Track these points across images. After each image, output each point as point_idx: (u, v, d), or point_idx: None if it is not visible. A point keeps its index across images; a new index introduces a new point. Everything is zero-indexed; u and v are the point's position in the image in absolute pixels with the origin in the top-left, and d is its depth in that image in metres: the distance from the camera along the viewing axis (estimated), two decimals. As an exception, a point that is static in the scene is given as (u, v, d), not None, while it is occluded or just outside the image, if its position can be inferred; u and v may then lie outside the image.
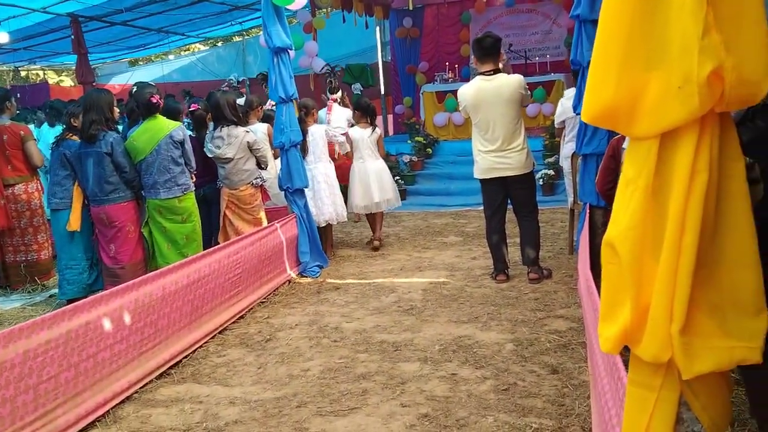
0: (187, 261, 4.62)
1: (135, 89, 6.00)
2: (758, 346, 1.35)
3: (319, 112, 8.85)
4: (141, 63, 17.80)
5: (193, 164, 5.52)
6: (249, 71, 15.66)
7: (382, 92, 14.19)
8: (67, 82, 19.73)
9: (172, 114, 5.81)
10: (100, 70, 16.48)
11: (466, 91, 5.39)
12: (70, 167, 5.41)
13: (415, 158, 10.62)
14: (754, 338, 1.35)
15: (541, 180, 9.01)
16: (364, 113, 7.03)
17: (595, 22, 5.25)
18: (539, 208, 5.74)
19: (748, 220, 1.36)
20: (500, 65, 5.53)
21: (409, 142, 11.10)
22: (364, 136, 6.99)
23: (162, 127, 5.36)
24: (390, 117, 14.35)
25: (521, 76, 5.42)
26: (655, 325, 1.34)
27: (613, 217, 1.43)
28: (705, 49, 1.22)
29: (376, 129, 7.08)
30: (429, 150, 10.86)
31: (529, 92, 5.43)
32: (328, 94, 8.97)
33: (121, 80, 16.53)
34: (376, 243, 7.14)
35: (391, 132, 14.11)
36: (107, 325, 3.76)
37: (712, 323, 1.34)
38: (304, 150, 6.53)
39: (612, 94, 1.36)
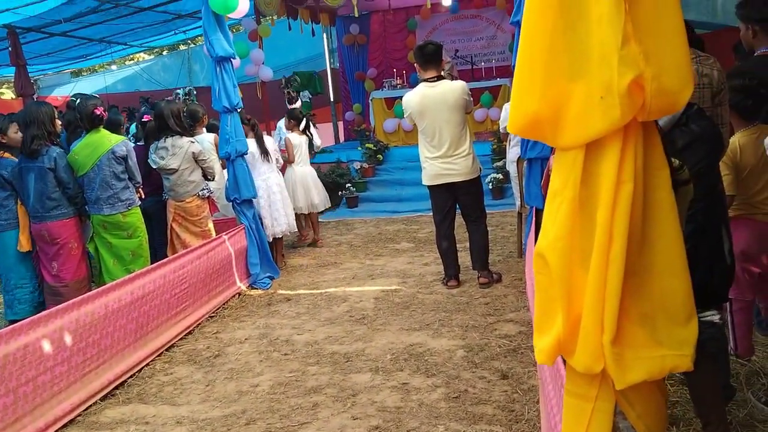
0: (131, 277, 4.51)
1: (77, 101, 5.86)
2: (689, 354, 1.37)
3: (279, 122, 8.83)
4: (84, 74, 17.38)
5: (138, 179, 5.39)
6: (195, 80, 15.46)
7: (332, 99, 14.15)
8: (8, 94, 19.14)
9: (113, 126, 5.69)
10: (41, 81, 16.04)
11: (411, 99, 5.39)
12: (10, 186, 5.20)
13: (366, 165, 10.61)
14: (685, 346, 1.36)
15: (490, 184, 9.09)
16: (297, 122, 7.51)
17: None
18: (489, 212, 5.78)
19: (675, 229, 1.38)
20: (443, 72, 5.56)
21: (359, 149, 11.09)
22: (302, 142, 7.41)
23: (104, 141, 5.22)
24: (340, 124, 14.31)
25: (464, 83, 5.46)
26: (587, 336, 1.34)
27: (542, 227, 1.43)
28: (624, 59, 1.23)
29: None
30: (380, 156, 10.86)
31: (471, 98, 5.47)
32: (287, 104, 8.95)
33: (64, 92, 16.10)
34: (320, 243, 7.70)
35: (341, 139, 14.09)
36: (47, 347, 3.64)
37: (643, 332, 1.35)
38: (265, 156, 6.55)
39: (536, 105, 1.36)
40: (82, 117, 5.29)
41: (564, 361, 1.52)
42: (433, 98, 5.26)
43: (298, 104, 8.99)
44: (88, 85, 16.21)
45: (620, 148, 1.31)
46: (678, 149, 2.31)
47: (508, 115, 1.45)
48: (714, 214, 2.47)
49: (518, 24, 5.34)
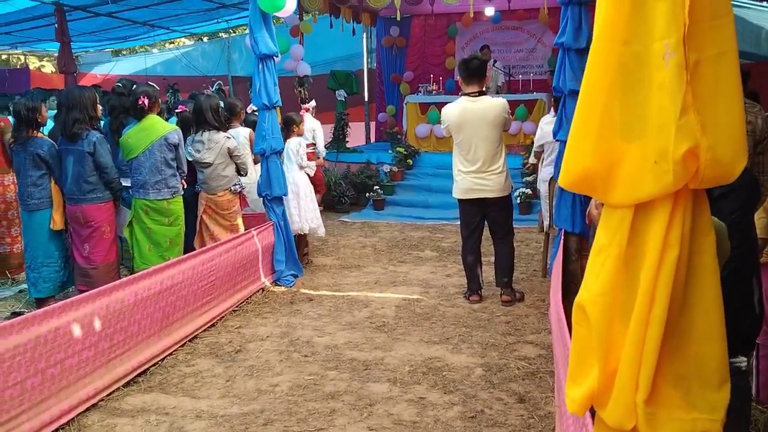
0: (161, 267, 4.59)
1: (122, 86, 5.99)
2: (720, 419, 1.39)
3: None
4: (124, 54, 17.63)
5: (185, 168, 5.48)
6: (233, 69, 15.59)
7: (366, 99, 14.21)
8: (48, 68, 19.46)
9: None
10: (82, 58, 16.28)
11: (451, 111, 5.41)
12: (45, 166, 5.31)
13: (395, 168, 10.64)
14: (716, 410, 1.38)
15: (518, 198, 9.08)
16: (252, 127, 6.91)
17: (578, 51, 5.33)
18: (515, 226, 5.79)
19: (716, 294, 1.40)
20: (485, 87, 5.58)
21: (390, 151, 11.13)
22: (299, 144, 6.98)
23: (158, 128, 5.32)
24: (372, 124, 14.37)
25: (505, 100, 5.48)
26: (621, 393, 1.37)
27: (585, 280, 1.46)
28: (682, 128, 1.25)
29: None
30: (410, 161, 10.89)
31: (511, 116, 5.48)
32: (300, 103, 8.99)
33: (104, 70, 16.36)
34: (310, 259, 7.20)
35: (372, 139, 14.14)
36: (77, 331, 3.73)
37: (677, 394, 1.38)
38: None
39: (589, 161, 1.39)
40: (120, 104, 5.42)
41: (592, 413, 1.54)
42: (473, 113, 5.28)
43: (312, 104, 8.98)
44: (128, 65, 16.44)
45: (669, 212, 1.33)
46: (714, 198, 2.33)
47: (562, 168, 1.47)
48: (746, 263, 2.47)
49: (562, 45, 5.35)
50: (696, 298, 1.38)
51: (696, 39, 1.24)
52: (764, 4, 10.71)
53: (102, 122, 6.07)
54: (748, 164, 2.69)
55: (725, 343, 1.41)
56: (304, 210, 6.80)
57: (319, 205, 8.70)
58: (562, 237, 5.20)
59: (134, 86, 5.74)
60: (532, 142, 7.27)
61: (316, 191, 8.71)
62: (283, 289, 6.09)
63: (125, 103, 5.88)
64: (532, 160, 6.45)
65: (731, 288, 2.39)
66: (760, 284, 2.54)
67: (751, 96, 5.80)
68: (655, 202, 1.34)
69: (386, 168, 10.66)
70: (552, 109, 6.59)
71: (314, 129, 8.51)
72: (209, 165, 5.74)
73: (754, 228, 2.64)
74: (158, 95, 5.45)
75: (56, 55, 13.19)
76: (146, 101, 5.25)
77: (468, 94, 5.37)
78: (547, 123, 6.18)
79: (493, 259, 5.73)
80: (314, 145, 8.58)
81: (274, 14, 6.10)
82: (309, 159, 7.23)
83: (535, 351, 4.44)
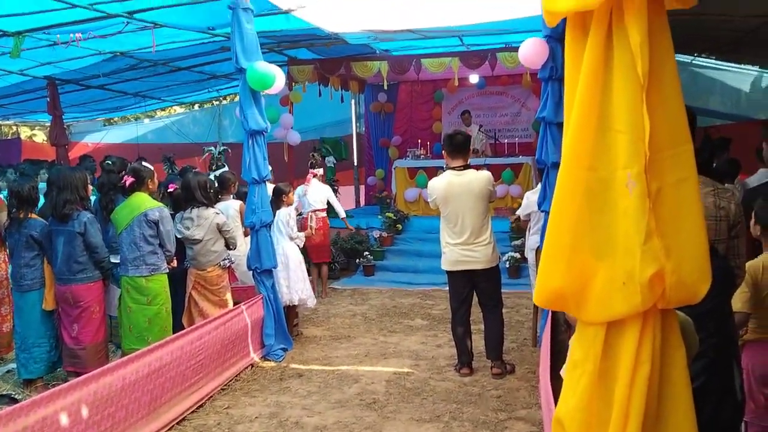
0: (149, 349, 4.57)
1: (111, 163, 6.07)
2: None
3: (298, 187, 8.98)
4: (116, 122, 17.84)
5: (169, 247, 5.48)
6: (224, 135, 15.77)
7: (355, 163, 14.40)
8: (40, 137, 19.65)
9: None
10: (74, 127, 16.46)
11: (437, 185, 5.50)
12: (38, 247, 5.35)
13: (385, 234, 10.70)
14: None
15: (507, 263, 9.13)
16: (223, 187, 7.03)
17: (559, 125, 5.48)
18: (504, 291, 5.81)
19: (688, 404, 1.43)
20: (469, 161, 5.69)
21: (379, 216, 11.21)
22: (288, 213, 6.96)
23: (140, 204, 5.37)
24: (362, 188, 14.51)
25: (489, 174, 5.58)
26: None
27: (562, 394, 1.49)
28: (647, 253, 1.30)
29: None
30: (399, 226, 10.96)
31: (496, 189, 5.59)
32: (309, 168, 9.09)
33: (95, 139, 16.53)
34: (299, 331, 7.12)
35: (362, 203, 14.25)
36: (64, 419, 3.69)
37: None
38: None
39: (561, 280, 1.43)
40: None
41: None
42: (459, 186, 5.37)
43: (320, 171, 9.13)
44: (120, 134, 16.62)
45: (640, 329, 1.37)
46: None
47: (536, 286, 1.52)
48: (725, 350, 2.50)
49: (543, 120, 5.51)
50: (669, 411, 1.42)
51: (657, 167, 1.31)
52: (743, 66, 11.03)
53: (92, 198, 6.14)
54: (723, 248, 2.76)
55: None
56: (293, 281, 6.81)
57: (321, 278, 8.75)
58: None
59: (128, 164, 5.82)
60: (521, 205, 7.36)
61: (323, 258, 8.76)
62: (272, 364, 6.04)
63: (114, 180, 5.96)
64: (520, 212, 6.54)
65: (709, 377, 2.43)
66: (740, 371, 2.56)
67: (732, 165, 5.94)
68: (626, 320, 1.38)
69: (376, 233, 10.72)
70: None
71: (327, 196, 8.67)
72: (199, 241, 5.78)
73: (731, 317, 2.68)
74: (149, 175, 5.50)
75: (47, 124, 13.37)
76: (129, 181, 5.34)
77: (453, 168, 5.47)
78: (533, 193, 6.28)
79: (482, 327, 5.73)
80: (323, 210, 8.68)
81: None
82: (304, 228, 7.30)
83: (526, 428, 4.40)
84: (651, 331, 1.38)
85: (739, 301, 3.03)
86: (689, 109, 2.77)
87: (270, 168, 6.43)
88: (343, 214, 9.14)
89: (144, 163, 5.75)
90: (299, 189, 8.79)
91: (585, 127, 1.36)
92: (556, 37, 5.26)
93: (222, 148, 11.90)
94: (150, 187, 5.53)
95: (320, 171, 9.14)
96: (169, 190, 6.28)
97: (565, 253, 1.44)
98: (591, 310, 1.41)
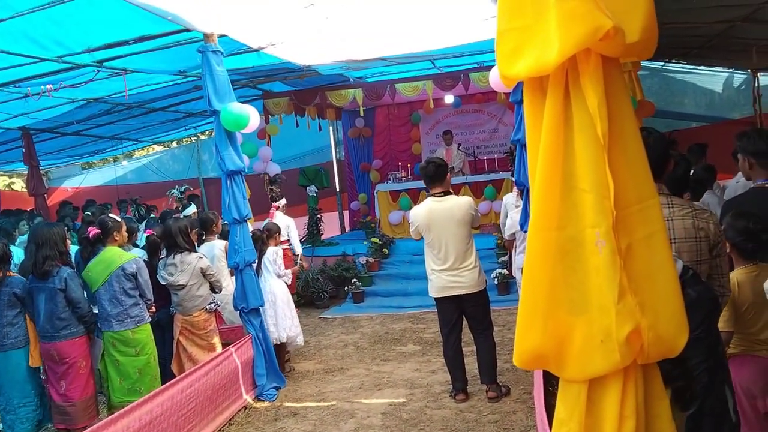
0: (139, 403, 4.50)
1: (87, 216, 6.02)
2: None
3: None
4: (95, 164, 17.75)
5: (149, 296, 5.46)
6: (204, 170, 15.75)
7: (338, 189, 14.41)
8: (18, 184, 19.50)
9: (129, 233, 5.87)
10: (52, 173, 16.38)
11: (419, 212, 5.51)
12: (21, 304, 5.29)
13: (371, 259, 10.69)
14: None
15: (495, 279, 9.14)
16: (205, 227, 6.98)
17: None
18: (494, 308, 5.82)
19: (677, 456, 1.43)
20: (449, 183, 5.69)
21: (365, 242, 11.21)
22: (276, 252, 7.00)
23: (115, 259, 5.34)
24: (346, 213, 14.52)
25: (471, 198, 5.61)
26: None
27: (550, 455, 1.48)
28: (621, 311, 1.31)
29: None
30: (385, 250, 10.96)
31: (479, 214, 5.59)
32: (270, 201, 9.08)
33: (74, 183, 16.42)
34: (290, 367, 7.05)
35: (347, 228, 14.25)
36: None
37: None
38: (257, 269, 6.54)
39: (539, 339, 1.43)
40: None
41: None
42: (440, 212, 5.38)
43: (282, 202, 9.09)
44: (99, 177, 16.53)
45: (622, 384, 1.37)
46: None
47: (515, 347, 1.51)
48: (717, 374, 2.51)
49: (518, 142, 5.54)
50: (659, 464, 1.41)
51: (625, 224, 1.31)
52: (714, 69, 11.20)
53: (72, 251, 6.08)
54: (706, 269, 2.77)
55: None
56: (281, 318, 6.77)
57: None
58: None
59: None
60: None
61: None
62: (266, 404, 5.99)
63: (94, 231, 5.91)
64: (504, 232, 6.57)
65: (704, 401, 2.43)
66: (733, 394, 2.57)
67: (709, 171, 5.99)
68: (607, 377, 1.38)
69: (363, 259, 10.71)
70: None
71: (288, 226, 8.64)
72: (183, 287, 5.74)
73: (721, 342, 2.69)
74: (117, 227, 5.47)
75: (25, 172, 13.28)
76: (94, 232, 5.31)
77: (434, 195, 5.48)
78: (516, 212, 6.29)
79: (474, 349, 5.71)
80: (288, 241, 8.65)
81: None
82: (286, 265, 7.25)
83: (525, 454, 4.38)
84: (633, 385, 1.38)
85: (721, 320, 3.04)
86: (661, 136, 2.81)
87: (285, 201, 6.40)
88: (299, 250, 8.98)
89: (111, 215, 5.72)
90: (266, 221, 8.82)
91: (550, 187, 1.37)
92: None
93: (184, 187, 11.87)
94: (117, 239, 5.49)
95: (282, 202, 9.10)
96: (145, 235, 6.26)
97: (541, 313, 1.43)
98: (571, 368, 1.41)
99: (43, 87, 7.20)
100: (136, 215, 10.17)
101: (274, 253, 6.82)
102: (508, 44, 1.39)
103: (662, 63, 10.98)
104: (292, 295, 8.49)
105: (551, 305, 1.42)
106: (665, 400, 1.42)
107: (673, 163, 2.86)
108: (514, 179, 5.93)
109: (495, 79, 5.57)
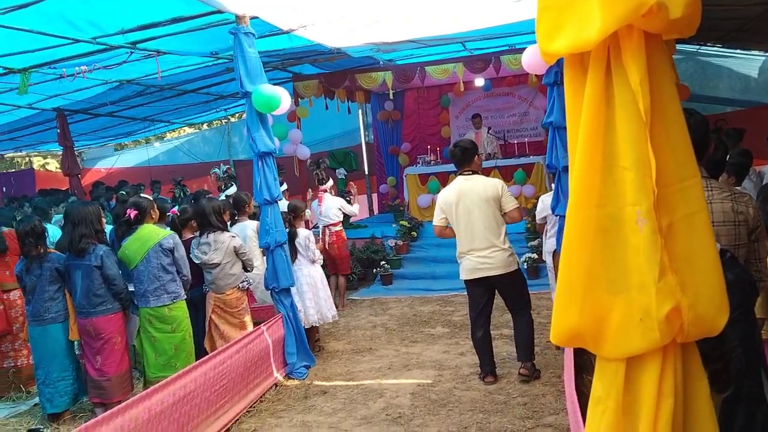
0: (173, 378, 4.60)
1: (125, 193, 6.12)
2: None
3: (313, 203, 9.04)
4: (127, 146, 17.99)
5: (185, 272, 5.55)
6: (234, 153, 15.88)
7: (366, 172, 14.44)
8: (53, 164, 19.86)
9: (161, 214, 5.94)
10: (85, 154, 16.63)
11: (447, 194, 5.48)
12: (61, 280, 5.43)
13: (400, 242, 10.71)
14: None
15: (525, 264, 9.10)
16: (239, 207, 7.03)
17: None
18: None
19: (714, 435, 1.42)
20: (479, 166, 5.66)
21: (393, 225, 11.23)
22: (308, 236, 7.06)
23: (152, 235, 5.43)
24: (374, 196, 14.55)
25: (501, 180, 5.57)
26: None
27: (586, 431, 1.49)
28: (662, 290, 1.30)
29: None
30: (414, 233, 10.97)
31: (511, 195, 5.53)
32: (317, 184, 9.12)
33: (107, 164, 16.68)
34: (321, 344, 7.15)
35: (375, 211, 14.29)
36: (92, 457, 3.72)
37: None
38: (293, 253, 6.61)
39: (576, 319, 1.43)
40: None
41: None
42: (468, 191, 5.36)
43: (329, 184, 9.16)
44: (131, 158, 16.76)
45: (660, 363, 1.37)
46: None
47: (552, 325, 1.52)
48: (753, 358, 2.49)
49: (551, 124, 5.49)
50: (696, 442, 1.41)
51: (666, 203, 1.30)
52: (750, 52, 10.95)
53: (107, 229, 6.20)
54: (744, 253, 2.74)
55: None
56: (324, 300, 6.88)
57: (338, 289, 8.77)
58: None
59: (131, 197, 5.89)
60: (535, 206, 7.35)
61: (341, 271, 8.79)
62: (296, 382, 6.07)
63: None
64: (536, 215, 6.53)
65: (739, 386, 2.42)
66: (768, 377, 2.55)
67: (745, 156, 5.89)
68: (646, 355, 1.38)
69: (391, 242, 10.73)
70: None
71: (340, 206, 8.74)
72: (217, 265, 5.82)
73: (757, 325, 2.66)
74: (150, 205, 5.56)
75: (59, 152, 13.52)
76: (133, 214, 5.39)
77: (462, 173, 5.48)
78: (547, 196, 6.26)
79: (504, 332, 5.71)
80: (340, 223, 8.77)
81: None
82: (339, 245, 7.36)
83: (554, 436, 4.39)
84: (672, 364, 1.37)
85: (757, 306, 3.01)
86: (703, 119, 2.77)
87: (285, 187, 6.47)
88: (355, 210, 9.49)
89: (142, 194, 5.81)
90: (314, 203, 8.91)
91: (590, 165, 1.36)
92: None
93: (226, 166, 11.98)
94: (153, 216, 5.58)
95: (330, 184, 9.17)
96: (168, 213, 6.35)
97: (579, 291, 1.43)
98: (609, 347, 1.41)
99: (77, 68, 7.30)
100: (181, 195, 10.30)
101: (306, 239, 6.88)
102: (548, 21, 1.38)
103: (697, 46, 10.77)
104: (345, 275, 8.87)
105: (589, 284, 1.42)
106: (704, 380, 1.42)
107: (713, 147, 2.82)
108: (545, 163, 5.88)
109: (528, 60, 5.51)
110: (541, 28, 1.43)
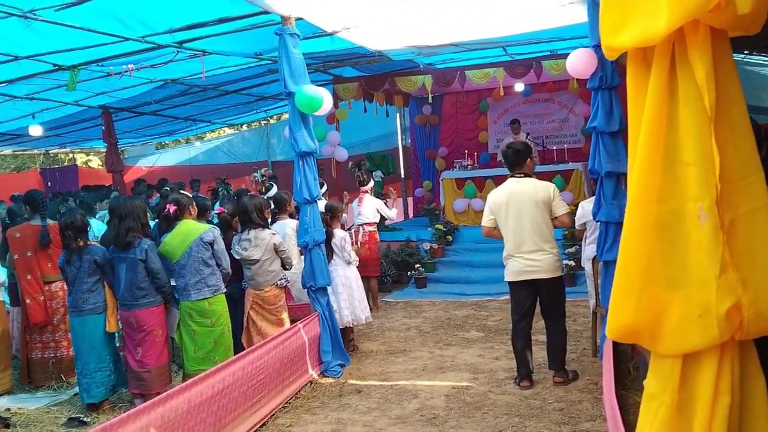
0: (213, 371, 4.67)
1: (165, 191, 6.23)
2: None
3: (352, 202, 9.10)
4: (168, 145, 18.31)
5: (225, 265, 5.63)
6: (273, 154, 16.05)
7: (402, 176, 14.47)
8: (95, 161, 20.29)
9: (201, 211, 6.04)
10: (127, 152, 16.96)
11: (498, 195, 5.48)
12: (101, 272, 5.55)
13: (435, 245, 10.71)
14: None
15: (563, 270, 9.00)
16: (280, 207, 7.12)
17: (611, 134, 5.42)
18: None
19: (770, 436, 1.41)
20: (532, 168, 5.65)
21: (429, 228, 11.23)
22: (344, 237, 7.10)
23: (192, 230, 5.53)
24: (410, 199, 14.57)
25: (552, 184, 5.54)
26: None
27: (639, 428, 1.48)
28: (722, 286, 1.30)
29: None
30: (449, 237, 10.96)
31: (563, 199, 5.51)
32: (358, 185, 9.16)
33: (149, 162, 16.98)
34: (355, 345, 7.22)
35: (410, 215, 14.31)
36: (135, 444, 3.80)
37: None
38: (329, 254, 6.66)
39: (633, 315, 1.43)
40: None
41: None
42: (520, 192, 5.37)
43: (370, 185, 9.21)
44: (172, 157, 17.05)
45: (718, 361, 1.36)
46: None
47: (608, 319, 1.52)
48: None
49: (594, 129, 5.45)
50: (752, 442, 1.40)
51: (729, 199, 1.30)
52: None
53: (151, 224, 6.32)
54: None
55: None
56: (358, 301, 6.91)
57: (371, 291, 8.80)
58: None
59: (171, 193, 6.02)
60: (574, 212, 7.28)
61: (372, 272, 8.81)
62: (331, 380, 6.11)
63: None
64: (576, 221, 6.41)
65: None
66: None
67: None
68: (703, 352, 1.38)
69: (426, 245, 10.74)
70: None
71: (378, 207, 8.80)
72: (257, 262, 5.90)
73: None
74: (189, 202, 5.69)
75: (102, 149, 13.81)
76: (173, 209, 5.49)
77: (514, 175, 5.48)
78: (588, 202, 6.22)
79: (539, 338, 5.68)
80: (375, 223, 8.85)
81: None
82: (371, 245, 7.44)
83: (592, 442, 4.35)
84: (729, 362, 1.36)
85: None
86: (756, 124, 2.74)
87: (326, 188, 6.54)
88: (393, 214, 9.50)
89: (181, 191, 5.92)
90: (354, 203, 8.97)
91: (652, 160, 1.36)
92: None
93: (264, 169, 12.12)
94: (192, 212, 5.68)
95: (370, 185, 9.21)
96: (216, 212, 6.46)
97: (637, 287, 1.43)
98: (666, 343, 1.41)
99: (124, 66, 7.46)
100: (225, 193, 10.47)
101: (342, 240, 6.92)
102: (614, 14, 1.38)
103: (743, 55, 10.56)
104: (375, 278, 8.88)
105: (647, 280, 1.42)
106: (761, 379, 1.41)
107: (765, 150, 2.78)
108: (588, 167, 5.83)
109: (574, 63, 5.48)
110: (605, 21, 1.44)
